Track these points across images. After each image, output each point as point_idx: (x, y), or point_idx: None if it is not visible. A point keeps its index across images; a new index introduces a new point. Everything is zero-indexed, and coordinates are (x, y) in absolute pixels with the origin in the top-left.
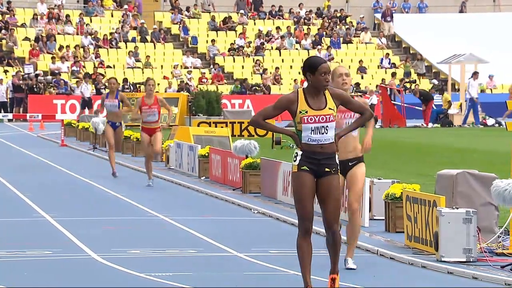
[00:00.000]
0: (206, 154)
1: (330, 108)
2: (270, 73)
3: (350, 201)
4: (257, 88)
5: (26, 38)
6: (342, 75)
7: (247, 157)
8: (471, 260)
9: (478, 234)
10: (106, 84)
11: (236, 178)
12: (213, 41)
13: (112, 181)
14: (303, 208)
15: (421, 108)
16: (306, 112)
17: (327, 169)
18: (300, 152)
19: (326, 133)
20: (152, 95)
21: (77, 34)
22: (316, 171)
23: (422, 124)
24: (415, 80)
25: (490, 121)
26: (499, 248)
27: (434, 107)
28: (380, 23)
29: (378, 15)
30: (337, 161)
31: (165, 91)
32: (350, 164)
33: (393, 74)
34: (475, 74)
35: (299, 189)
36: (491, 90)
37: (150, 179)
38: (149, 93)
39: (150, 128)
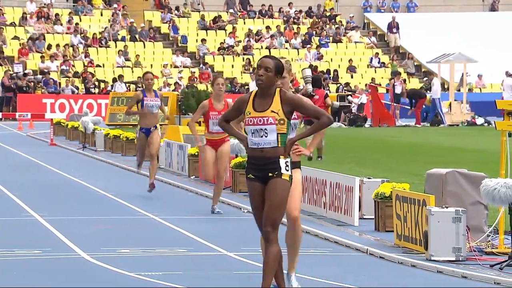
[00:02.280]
0: (196, 154)
1: (273, 111)
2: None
3: (290, 209)
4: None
5: (16, 37)
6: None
7: (237, 156)
8: (461, 259)
9: (467, 233)
10: (95, 83)
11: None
12: (203, 40)
13: (101, 180)
14: (256, 219)
15: (408, 107)
16: (250, 113)
17: (270, 174)
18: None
19: (266, 137)
20: (222, 98)
21: (67, 33)
22: (261, 177)
23: (415, 125)
24: (405, 79)
25: (479, 120)
26: (488, 247)
27: (424, 106)
28: (369, 22)
29: (368, 14)
30: (285, 164)
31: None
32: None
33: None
34: (431, 74)
35: (250, 199)
36: (480, 89)
37: (215, 205)
38: (218, 95)
39: (217, 140)
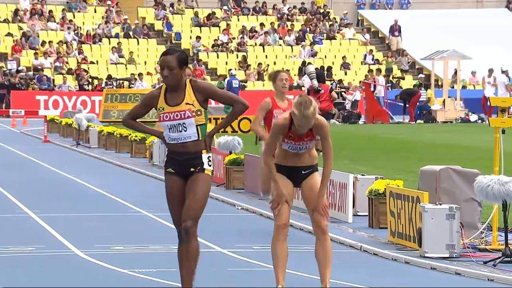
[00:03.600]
0: None
1: (187, 103)
2: (254, 68)
3: (318, 219)
4: (244, 84)
5: (9, 34)
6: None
7: (230, 153)
8: (454, 256)
9: (461, 230)
10: (89, 80)
11: (220, 174)
12: (198, 37)
13: (95, 177)
14: (172, 215)
15: (402, 104)
16: (163, 109)
17: (192, 169)
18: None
19: (185, 131)
20: (285, 95)
21: (60, 29)
22: (181, 172)
23: (409, 122)
24: (404, 77)
25: (473, 117)
26: (482, 244)
27: (419, 103)
28: (363, 19)
29: (362, 11)
30: (208, 159)
31: (154, 87)
32: (303, 172)
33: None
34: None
35: (167, 194)
36: (474, 86)
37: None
38: (282, 92)
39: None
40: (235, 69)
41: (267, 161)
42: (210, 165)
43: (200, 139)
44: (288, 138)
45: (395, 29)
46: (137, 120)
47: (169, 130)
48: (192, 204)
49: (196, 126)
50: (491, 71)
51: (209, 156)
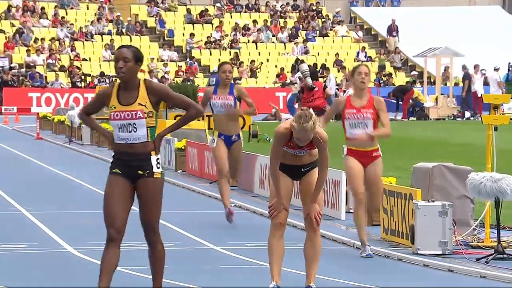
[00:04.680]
0: (183, 147)
1: (140, 104)
2: (247, 66)
3: (310, 217)
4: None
5: (1, 31)
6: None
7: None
8: (447, 253)
9: (453, 227)
10: (82, 77)
11: (213, 172)
12: (191, 35)
13: (88, 174)
14: (107, 216)
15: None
16: (114, 107)
17: (140, 172)
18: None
19: (135, 132)
20: (365, 92)
21: (53, 26)
22: (128, 174)
23: (402, 119)
24: (391, 73)
25: (466, 114)
26: (474, 241)
27: (411, 101)
28: (356, 17)
29: (354, 8)
30: (156, 162)
31: None
32: (303, 170)
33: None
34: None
35: (107, 195)
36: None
37: None
38: (361, 88)
39: (364, 152)
40: None
41: (274, 173)
42: (158, 167)
43: (149, 141)
44: (288, 147)
45: (393, 29)
46: (95, 115)
47: (119, 129)
48: (149, 215)
49: (147, 128)
50: (477, 67)
51: (158, 158)
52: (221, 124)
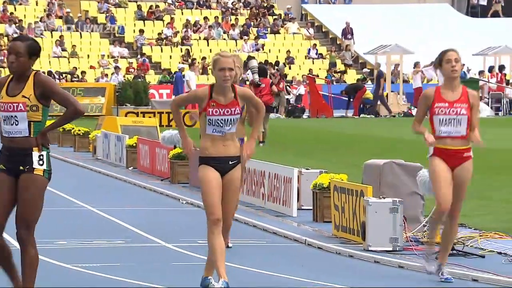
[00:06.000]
0: (134, 144)
1: (24, 96)
2: (198, 62)
3: (224, 217)
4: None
5: None
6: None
7: (175, 147)
8: (397, 249)
9: (404, 223)
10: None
11: (165, 168)
12: (141, 31)
13: None
14: None
15: (346, 99)
16: (2, 98)
17: (21, 167)
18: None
19: (17, 125)
20: (458, 82)
21: (1, 22)
22: (11, 169)
23: (353, 116)
24: (345, 70)
25: (415, 111)
26: (424, 237)
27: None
28: (307, 14)
29: (306, 6)
30: (38, 158)
31: (97, 81)
32: (230, 163)
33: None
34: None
35: None
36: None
37: None
38: (453, 78)
39: (454, 152)
40: (179, 63)
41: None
42: (41, 164)
43: (31, 136)
44: (211, 107)
45: (347, 32)
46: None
47: (4, 122)
48: (24, 212)
49: (29, 121)
50: (417, 64)
51: (41, 155)
52: None
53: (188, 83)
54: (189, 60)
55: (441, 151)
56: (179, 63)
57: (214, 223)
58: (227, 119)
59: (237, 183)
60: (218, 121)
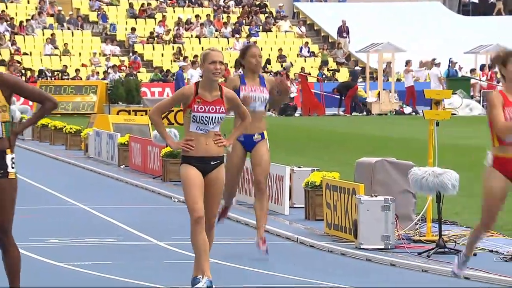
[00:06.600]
0: (126, 143)
1: None
2: (190, 61)
3: (207, 216)
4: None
5: None
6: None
7: (167, 145)
8: (389, 247)
9: (396, 221)
10: (22, 71)
11: (156, 167)
12: (133, 29)
13: (29, 170)
14: None
15: (338, 97)
16: None
17: None
18: None
19: None
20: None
21: None
22: None
23: (345, 114)
24: (339, 69)
25: (407, 109)
26: (416, 235)
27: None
28: (299, 12)
29: (298, 4)
30: (11, 161)
31: (88, 79)
32: (212, 163)
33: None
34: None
35: None
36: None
37: None
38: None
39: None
40: (171, 61)
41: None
42: (13, 168)
43: (3, 137)
44: (196, 103)
45: (343, 31)
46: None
47: None
48: (1, 220)
49: (1, 123)
50: (409, 62)
51: (13, 158)
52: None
53: (190, 82)
54: (181, 58)
55: (502, 161)
56: (172, 61)
57: (197, 221)
58: (212, 117)
59: (219, 183)
60: (202, 118)
